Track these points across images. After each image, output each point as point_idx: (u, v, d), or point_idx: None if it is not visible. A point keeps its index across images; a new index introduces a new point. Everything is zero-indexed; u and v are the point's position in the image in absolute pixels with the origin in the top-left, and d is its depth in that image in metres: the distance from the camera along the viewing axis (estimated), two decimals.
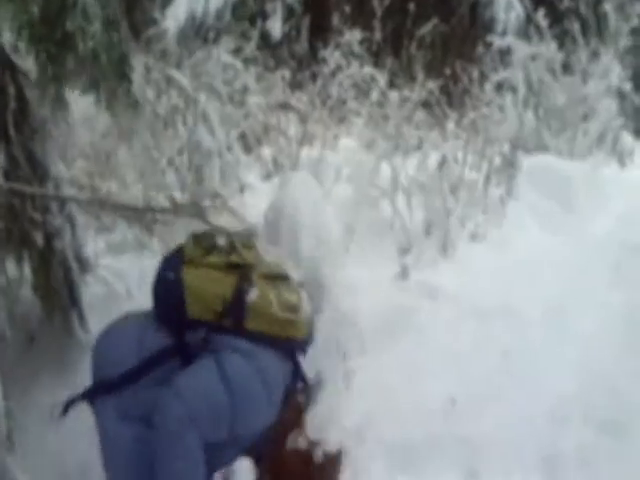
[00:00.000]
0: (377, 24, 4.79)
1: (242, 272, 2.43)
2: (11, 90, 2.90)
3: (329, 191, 3.62)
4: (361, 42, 4.59)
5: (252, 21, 4.81)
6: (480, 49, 5.08)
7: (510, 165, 3.92)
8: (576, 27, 4.85)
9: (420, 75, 4.19)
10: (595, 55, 4.80)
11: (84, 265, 3.28)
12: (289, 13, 5.11)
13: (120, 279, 3.33)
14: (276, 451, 2.57)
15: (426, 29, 4.89)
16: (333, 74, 4.37)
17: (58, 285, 3.10)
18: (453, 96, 4.67)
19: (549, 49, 4.70)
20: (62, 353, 3.19)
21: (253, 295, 2.38)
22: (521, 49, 4.72)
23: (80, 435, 2.72)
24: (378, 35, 4.80)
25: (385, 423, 2.68)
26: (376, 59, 4.71)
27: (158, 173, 3.77)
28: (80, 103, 3.64)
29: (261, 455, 2.50)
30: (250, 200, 3.76)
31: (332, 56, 4.39)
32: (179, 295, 2.36)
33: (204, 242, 2.47)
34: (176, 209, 3.51)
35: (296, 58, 4.88)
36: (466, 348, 2.94)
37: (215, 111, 3.80)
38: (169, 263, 2.46)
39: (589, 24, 4.99)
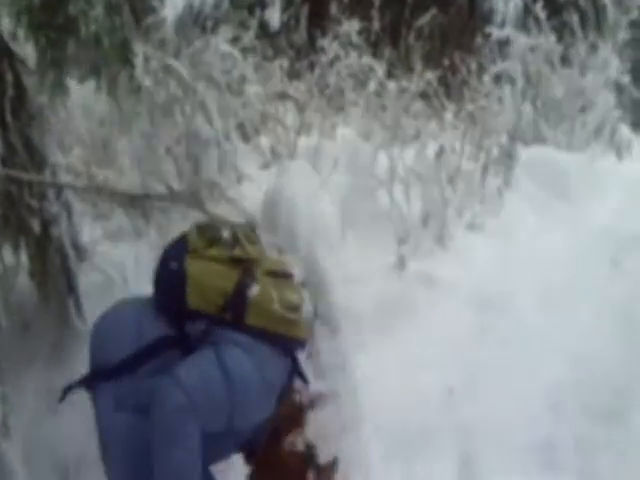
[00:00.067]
0: (375, 14, 4.78)
1: (245, 267, 2.42)
2: (9, 77, 2.89)
3: (326, 180, 3.61)
4: (359, 32, 4.56)
5: (250, 10, 4.78)
6: (479, 40, 5.07)
7: (508, 156, 3.93)
8: (575, 19, 4.84)
9: (418, 66, 4.18)
10: (594, 47, 4.81)
11: (81, 252, 3.28)
12: (288, 2, 5.08)
13: (117, 267, 3.33)
14: (270, 448, 2.57)
15: (424, 20, 4.87)
16: (331, 64, 4.35)
17: (55, 272, 3.09)
18: (451, 87, 4.67)
19: (548, 41, 4.70)
20: (58, 340, 3.19)
21: (255, 291, 2.37)
22: (520, 41, 4.71)
23: (77, 423, 2.72)
24: (376, 25, 4.78)
25: (383, 411, 2.69)
26: (374, 49, 4.69)
27: (156, 161, 3.75)
28: (78, 91, 3.64)
29: (254, 451, 2.50)
30: (248, 189, 3.75)
31: (330, 46, 4.37)
32: (181, 285, 2.35)
33: (207, 233, 2.46)
34: (173, 197, 3.51)
35: (294, 48, 4.86)
36: (463, 337, 2.95)
37: (213, 100, 3.78)
38: (173, 252, 2.44)
39: (588, 16, 4.98)
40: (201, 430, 2.17)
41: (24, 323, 3.29)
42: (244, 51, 4.19)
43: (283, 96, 4.39)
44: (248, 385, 2.28)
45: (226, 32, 4.10)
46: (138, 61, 3.24)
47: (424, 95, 4.26)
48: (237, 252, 2.43)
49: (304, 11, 4.95)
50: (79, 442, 2.81)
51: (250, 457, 2.55)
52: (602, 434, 2.60)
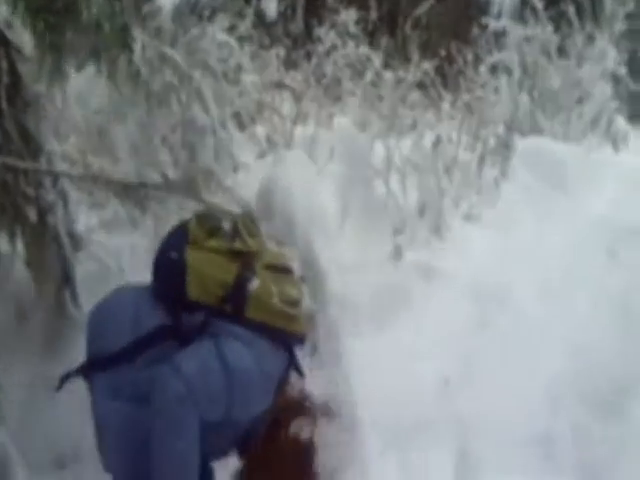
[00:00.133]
0: (373, 3, 4.78)
1: (245, 260, 2.42)
2: (4, 65, 2.88)
3: (323, 170, 3.60)
4: (356, 22, 4.55)
5: None
6: (475, 31, 5.05)
7: (505, 147, 3.92)
8: (572, 10, 4.83)
9: (415, 56, 4.16)
10: (590, 39, 4.80)
11: (77, 241, 3.27)
12: None
13: (112, 256, 3.32)
14: (267, 442, 2.57)
15: (422, 10, 4.87)
16: (328, 53, 4.33)
17: (51, 261, 3.08)
18: (448, 77, 4.65)
19: (544, 32, 4.69)
20: (54, 329, 3.18)
21: (254, 284, 2.36)
22: (516, 31, 4.72)
23: (73, 411, 2.72)
24: (374, 15, 4.78)
25: (379, 402, 2.69)
26: (371, 39, 4.68)
27: (151, 150, 3.74)
28: (74, 79, 3.62)
29: (247, 445, 2.50)
30: (244, 178, 3.74)
31: (327, 35, 4.35)
32: (181, 275, 2.34)
33: (207, 224, 2.45)
34: (169, 186, 3.49)
35: (291, 37, 4.84)
36: (460, 327, 2.95)
37: (209, 89, 3.77)
38: (173, 241, 2.43)
39: (585, 7, 4.97)
40: (199, 419, 2.17)
41: (20, 312, 3.28)
42: (241, 40, 4.17)
43: (279, 85, 4.38)
44: (247, 376, 2.28)
45: (223, 20, 4.08)
46: (137, 47, 3.23)
47: (421, 85, 4.25)
48: (237, 244, 2.42)
49: (301, 0, 4.94)
50: (75, 431, 2.81)
51: (243, 452, 2.54)
52: (600, 426, 2.60)
